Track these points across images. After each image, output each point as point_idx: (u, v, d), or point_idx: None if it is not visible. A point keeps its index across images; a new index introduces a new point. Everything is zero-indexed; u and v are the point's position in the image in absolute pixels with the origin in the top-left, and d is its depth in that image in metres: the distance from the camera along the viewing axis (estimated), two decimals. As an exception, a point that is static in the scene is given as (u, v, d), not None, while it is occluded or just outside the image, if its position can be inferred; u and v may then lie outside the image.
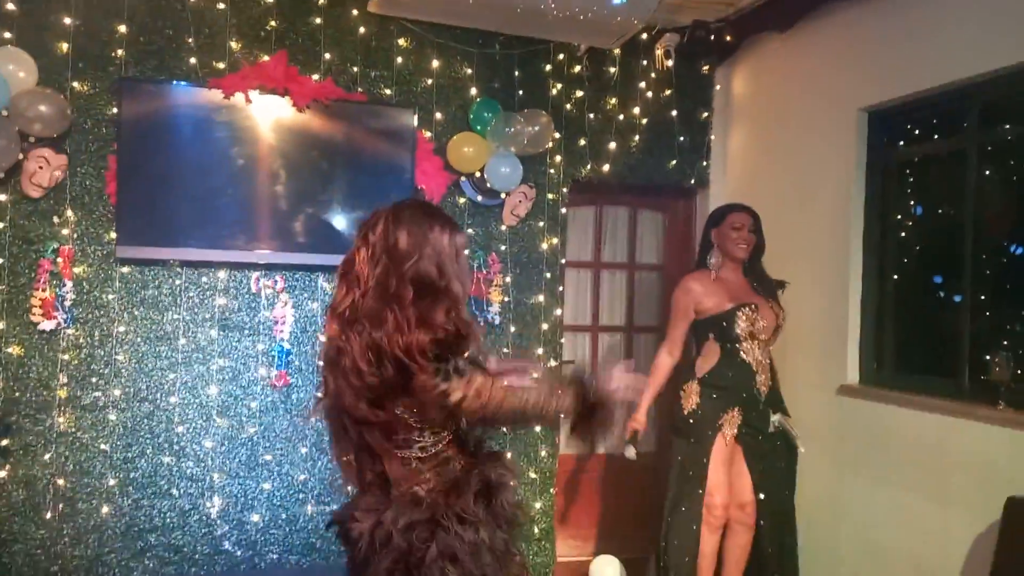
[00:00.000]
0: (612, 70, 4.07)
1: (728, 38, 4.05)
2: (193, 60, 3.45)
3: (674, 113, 4.18)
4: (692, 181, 4.27)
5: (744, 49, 4.14)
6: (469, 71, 3.85)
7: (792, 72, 3.81)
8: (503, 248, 3.89)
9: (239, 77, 3.44)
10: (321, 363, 1.80)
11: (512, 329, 3.87)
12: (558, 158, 3.99)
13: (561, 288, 4.06)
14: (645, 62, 4.12)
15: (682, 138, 4.21)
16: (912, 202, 3.44)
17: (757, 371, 3.21)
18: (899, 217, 3.42)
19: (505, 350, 3.81)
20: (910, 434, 3.01)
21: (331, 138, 3.57)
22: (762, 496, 3.22)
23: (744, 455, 3.22)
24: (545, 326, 3.96)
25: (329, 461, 3.63)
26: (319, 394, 1.81)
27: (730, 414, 3.20)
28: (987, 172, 2.99)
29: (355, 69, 3.68)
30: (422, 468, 1.73)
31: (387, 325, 1.63)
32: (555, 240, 4.00)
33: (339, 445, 1.80)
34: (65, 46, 3.29)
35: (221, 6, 3.48)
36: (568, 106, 4.01)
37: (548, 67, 3.96)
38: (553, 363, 3.91)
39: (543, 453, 3.94)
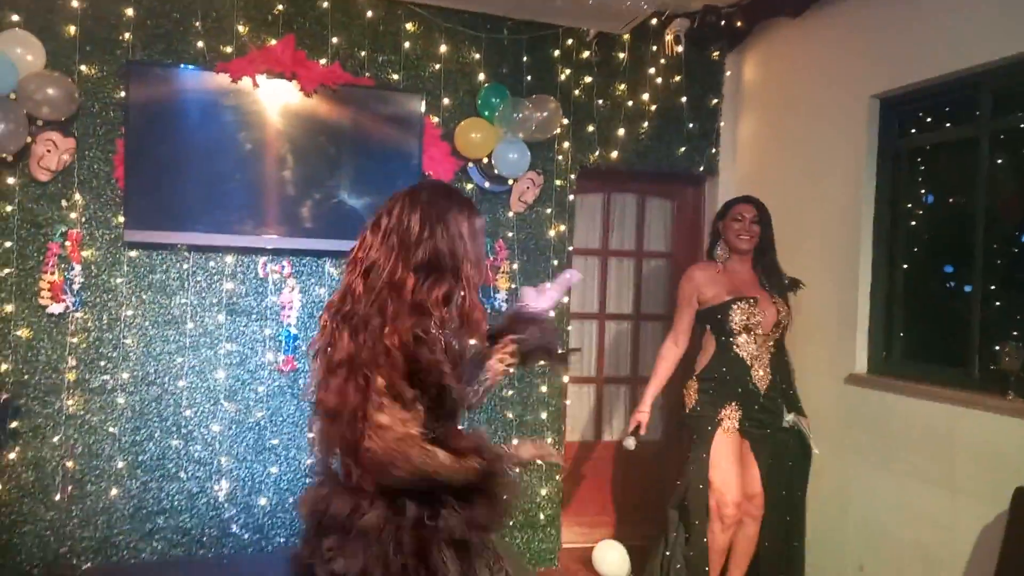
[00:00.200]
0: (621, 56, 4.04)
1: (739, 24, 4.01)
2: (200, 44, 3.44)
3: (684, 99, 4.15)
4: (701, 168, 4.24)
5: (755, 35, 4.10)
6: (477, 56, 3.82)
7: (803, 58, 3.77)
8: (510, 235, 3.88)
9: (246, 61, 3.43)
10: (312, 352, 1.72)
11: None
12: (566, 144, 3.97)
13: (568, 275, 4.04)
14: (655, 48, 4.08)
15: (691, 125, 4.18)
16: (923, 190, 3.40)
17: (752, 365, 3.18)
18: (909, 205, 3.39)
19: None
20: (918, 424, 3.00)
21: (338, 123, 3.56)
22: (770, 489, 3.20)
23: (751, 449, 3.20)
24: (552, 314, 3.94)
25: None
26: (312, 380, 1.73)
27: (728, 409, 3.18)
28: (999, 160, 2.96)
29: (363, 53, 3.66)
30: None
31: (374, 321, 1.58)
32: (563, 227, 3.99)
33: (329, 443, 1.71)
34: (73, 29, 3.29)
35: (229, -11, 3.47)
36: (577, 92, 3.98)
37: (557, 52, 3.94)
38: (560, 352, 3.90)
39: (549, 440, 3.95)
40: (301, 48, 3.53)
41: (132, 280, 3.42)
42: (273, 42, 3.51)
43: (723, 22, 3.97)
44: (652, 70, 4.10)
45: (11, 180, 3.25)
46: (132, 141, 3.31)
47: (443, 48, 3.77)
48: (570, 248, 4.04)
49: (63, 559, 3.31)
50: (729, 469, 3.16)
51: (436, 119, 3.75)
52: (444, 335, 1.59)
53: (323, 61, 3.58)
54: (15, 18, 3.20)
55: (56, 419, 3.32)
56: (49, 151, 3.23)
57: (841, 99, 3.46)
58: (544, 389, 3.94)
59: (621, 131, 4.05)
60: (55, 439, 3.32)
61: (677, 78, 4.13)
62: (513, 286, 3.87)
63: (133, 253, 3.42)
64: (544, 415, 3.93)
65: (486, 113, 3.76)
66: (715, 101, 4.24)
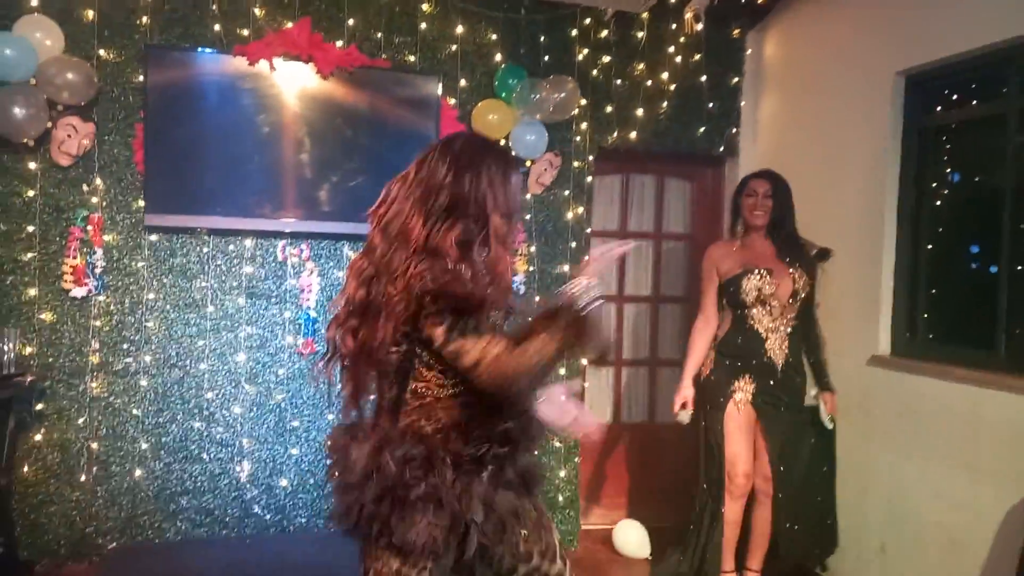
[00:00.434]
0: (640, 35, 3.99)
1: (760, 0, 3.94)
2: (217, 27, 3.44)
3: (703, 79, 4.09)
4: (721, 149, 4.19)
5: (776, 12, 4.03)
6: (494, 37, 3.79)
7: (826, 35, 3.70)
8: (528, 217, 3.87)
9: (263, 44, 3.43)
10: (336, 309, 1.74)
11: (536, 299, 3.85)
12: (584, 125, 3.93)
13: (586, 258, 4.01)
14: (674, 26, 4.03)
15: (711, 104, 4.13)
16: (948, 169, 3.34)
17: (767, 338, 3.17)
18: (935, 184, 3.33)
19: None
20: (942, 405, 2.96)
21: (355, 106, 3.55)
22: (782, 468, 3.19)
23: (763, 426, 3.19)
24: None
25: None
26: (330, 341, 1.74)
27: (741, 381, 3.18)
28: (1028, 137, 2.90)
29: (379, 35, 3.65)
30: (435, 405, 1.66)
31: (397, 266, 1.60)
32: (580, 209, 3.96)
33: (354, 383, 1.72)
34: (91, 14, 3.30)
35: (245, -28, 3.46)
36: (595, 72, 3.94)
37: (574, 32, 3.89)
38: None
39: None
40: (317, 31, 3.52)
41: (153, 264, 3.44)
42: (289, 25, 3.50)
43: (744, -1, 3.90)
44: (671, 49, 4.04)
45: (33, 165, 3.28)
46: (151, 125, 3.32)
47: (459, 29, 3.74)
48: (588, 230, 4.02)
49: (89, 538, 3.37)
50: (740, 440, 3.18)
51: (453, 101, 3.73)
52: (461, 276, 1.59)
53: (339, 43, 3.56)
54: (34, 3, 3.22)
55: (80, 401, 3.37)
56: (69, 136, 3.25)
57: (865, 76, 3.40)
58: (562, 371, 3.93)
59: (640, 111, 4.01)
60: (80, 421, 3.36)
61: (696, 57, 4.08)
62: (531, 268, 3.86)
63: (153, 237, 3.44)
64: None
65: (503, 94, 3.73)
66: (735, 80, 4.17)
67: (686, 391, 3.31)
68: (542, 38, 3.84)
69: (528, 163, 3.82)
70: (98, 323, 3.38)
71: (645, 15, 3.96)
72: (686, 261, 4.38)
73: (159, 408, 3.45)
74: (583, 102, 3.88)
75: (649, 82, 4.03)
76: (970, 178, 3.33)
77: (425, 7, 3.70)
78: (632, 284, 4.37)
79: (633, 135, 4.02)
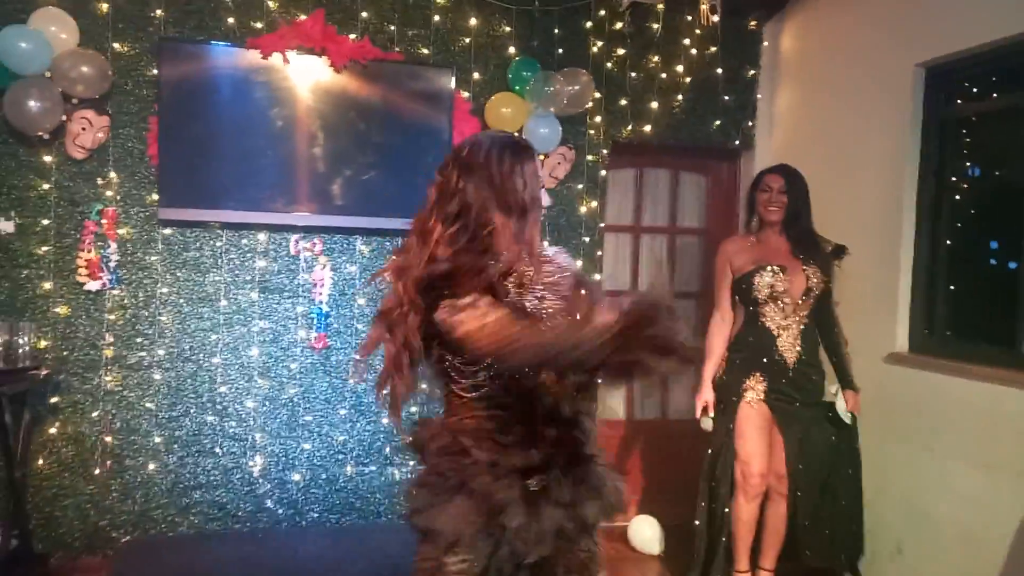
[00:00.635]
0: (655, 26, 3.95)
1: (777, -9, 3.90)
2: (231, 20, 3.43)
3: (719, 71, 4.05)
4: (737, 142, 4.15)
5: (793, 3, 3.98)
6: (508, 29, 3.76)
7: (845, 26, 3.65)
8: (541, 211, 3.83)
9: (277, 36, 3.41)
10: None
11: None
12: (598, 118, 3.90)
13: (600, 252, 4.01)
14: (690, 18, 3.98)
15: (727, 97, 4.08)
16: (969, 162, 3.29)
17: (779, 336, 3.12)
18: (954, 178, 3.28)
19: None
20: (961, 403, 2.92)
21: (368, 99, 3.54)
22: (800, 467, 3.14)
23: (777, 423, 3.15)
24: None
25: (368, 423, 3.67)
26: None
27: (753, 379, 3.13)
28: (1051, 131, 2.85)
29: (392, 28, 3.63)
30: (470, 406, 1.67)
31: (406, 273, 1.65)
32: (594, 203, 3.93)
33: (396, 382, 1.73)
34: (105, 7, 3.30)
35: (258, -36, 3.45)
36: (609, 64, 3.91)
37: (589, 24, 3.86)
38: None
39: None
40: (331, 23, 3.50)
41: (167, 258, 3.44)
42: (303, 17, 3.48)
43: (761, -10, 3.86)
44: (687, 41, 4.00)
45: (47, 158, 3.28)
46: (165, 118, 3.32)
47: (473, 21, 3.71)
48: (602, 224, 3.99)
49: (103, 532, 3.39)
50: (755, 439, 3.12)
51: (466, 94, 3.71)
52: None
53: (353, 36, 3.55)
54: (48, -4, 3.22)
55: (95, 395, 3.38)
56: (84, 129, 3.25)
57: (884, 68, 3.35)
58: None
59: (654, 104, 3.97)
60: (94, 414, 3.37)
61: (712, 49, 4.03)
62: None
63: (167, 231, 3.44)
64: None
65: (517, 87, 3.70)
66: (752, 72, 4.13)
67: (707, 394, 3.24)
68: (556, 30, 3.81)
69: (542, 157, 3.79)
70: (112, 317, 3.39)
71: (660, 6, 3.91)
72: (700, 256, 4.34)
73: (172, 402, 3.46)
74: (597, 95, 3.85)
75: (664, 75, 3.99)
76: (990, 172, 3.29)
77: (439, -1, 3.68)
78: (646, 279, 4.33)
79: (648, 128, 3.98)
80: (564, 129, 3.74)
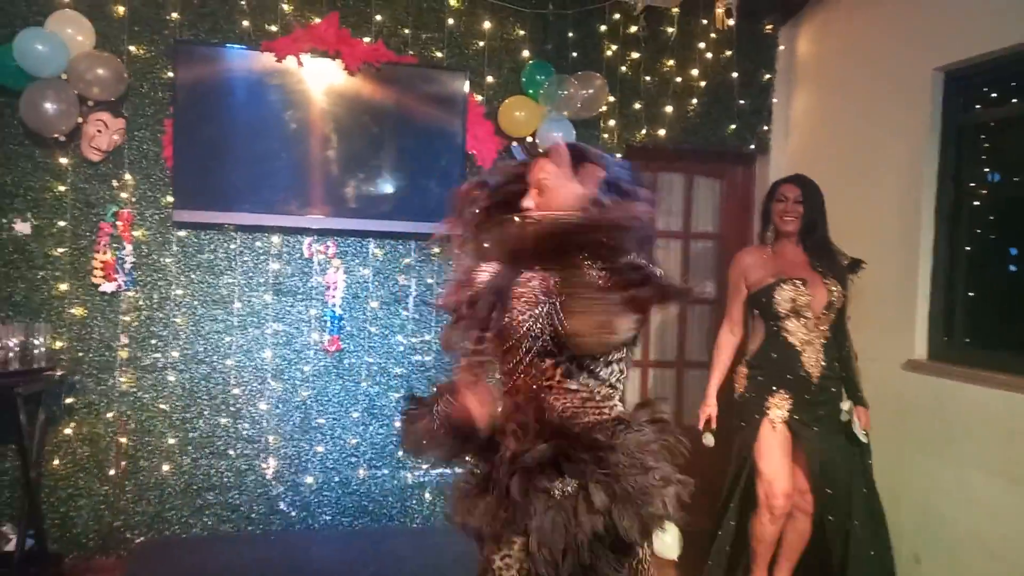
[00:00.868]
0: (670, 30, 3.93)
1: (793, -5, 3.88)
2: (246, 23, 3.44)
3: (734, 75, 4.02)
4: (752, 147, 4.12)
5: (811, 6, 3.95)
6: (522, 32, 3.76)
7: (862, 30, 3.62)
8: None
9: (291, 40, 3.42)
10: None
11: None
12: (612, 122, 3.89)
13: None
14: (705, 21, 3.96)
15: (742, 101, 4.06)
16: (988, 168, 3.26)
17: (803, 351, 3.06)
18: (973, 184, 3.24)
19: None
20: (980, 411, 2.89)
21: (382, 102, 3.54)
22: (826, 487, 3.07)
23: (797, 441, 3.09)
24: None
25: (380, 427, 3.67)
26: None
27: (776, 397, 3.06)
28: (1073, 136, 2.81)
29: (406, 31, 3.63)
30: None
31: None
32: (608, 207, 3.91)
33: None
34: (121, 9, 3.31)
35: (273, -33, 3.45)
36: (623, 68, 3.89)
37: (603, 27, 3.84)
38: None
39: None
40: (345, 26, 3.51)
41: (181, 260, 3.45)
42: (317, 20, 3.49)
43: (777, -7, 3.83)
44: (702, 44, 3.98)
45: (64, 160, 3.30)
46: (180, 121, 3.33)
47: (487, 24, 3.71)
48: (616, 228, 3.96)
49: (117, 532, 3.40)
50: (779, 458, 3.04)
51: (480, 97, 3.70)
52: None
53: (367, 39, 3.55)
54: (66, -1, 3.24)
55: (110, 396, 3.39)
56: (100, 131, 3.27)
57: (903, 72, 3.32)
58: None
59: (669, 108, 3.96)
60: (109, 415, 3.39)
61: (728, 53, 4.01)
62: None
63: (182, 233, 3.45)
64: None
65: (530, 91, 3.69)
66: (767, 76, 4.10)
67: (710, 407, 3.20)
68: (570, 34, 3.80)
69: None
70: (127, 318, 3.40)
71: (675, 10, 3.89)
72: (715, 261, 4.32)
73: (186, 404, 3.47)
74: (611, 99, 3.83)
75: (679, 78, 3.97)
76: (1010, 178, 3.24)
77: (453, 2, 3.67)
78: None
79: (662, 132, 3.97)
80: (578, 133, 3.72)
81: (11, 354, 3.06)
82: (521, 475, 1.59)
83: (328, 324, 3.59)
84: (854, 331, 3.24)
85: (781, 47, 4.11)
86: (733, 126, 4.06)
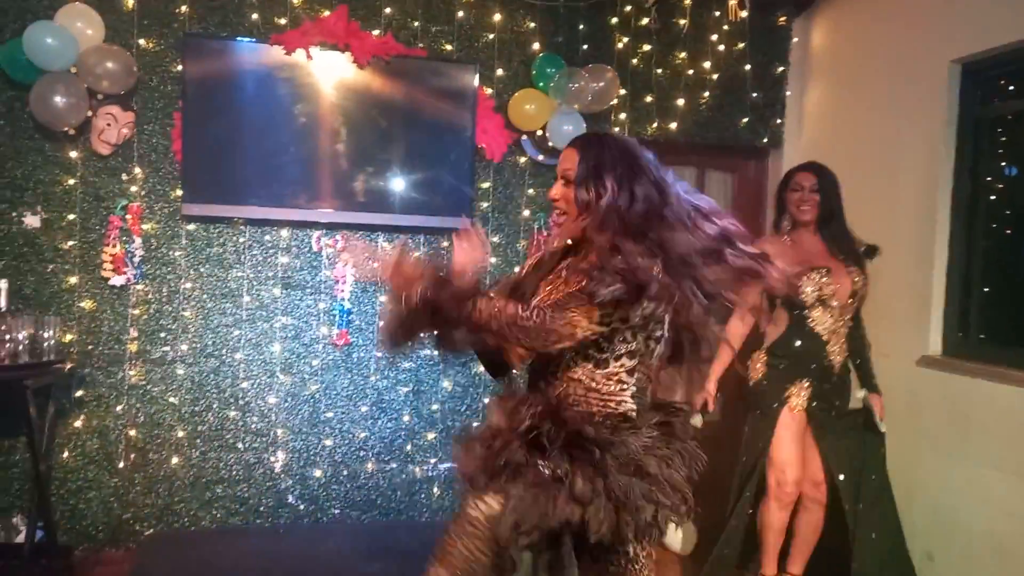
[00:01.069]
0: (682, 22, 3.89)
1: (807, -14, 3.83)
2: (255, 16, 3.43)
3: (747, 67, 3.98)
4: (765, 140, 4.08)
5: (824, -3, 3.90)
6: (532, 25, 3.73)
7: (877, 21, 3.57)
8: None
9: (300, 33, 3.41)
10: None
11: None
12: (623, 115, 3.85)
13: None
14: (717, 13, 3.91)
15: (755, 94, 4.01)
16: (1005, 162, 3.21)
17: (828, 340, 3.04)
18: (990, 178, 3.19)
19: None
20: (995, 408, 2.85)
21: (391, 96, 3.52)
22: (842, 477, 3.05)
23: (815, 430, 3.07)
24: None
25: (389, 421, 3.66)
26: None
27: (798, 386, 3.05)
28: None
29: (416, 24, 3.61)
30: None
31: None
32: (619, 201, 3.88)
33: None
34: (131, 3, 3.31)
35: (282, -40, 3.44)
36: (635, 61, 3.86)
37: (614, 20, 3.81)
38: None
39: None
40: (354, 19, 3.49)
41: (190, 253, 3.46)
42: (326, 13, 3.47)
43: (791, -15, 3.78)
44: (714, 37, 3.94)
45: (73, 154, 3.30)
46: (189, 115, 3.33)
47: (497, 17, 3.68)
48: (626, 223, 3.93)
49: (126, 525, 3.41)
50: (792, 447, 3.04)
51: (489, 90, 3.67)
52: None
53: (376, 32, 3.53)
54: (75, -8, 3.23)
55: (119, 388, 3.40)
56: (109, 125, 3.27)
57: (918, 65, 3.27)
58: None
59: (681, 101, 3.92)
60: (118, 408, 3.39)
61: (740, 45, 3.97)
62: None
63: (191, 226, 3.45)
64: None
65: (541, 84, 3.67)
66: (781, 69, 4.05)
67: (710, 390, 3.15)
68: (581, 26, 3.77)
69: (565, 154, 3.75)
70: (136, 311, 3.41)
71: (687, 2, 3.86)
72: (726, 255, 4.27)
73: (195, 397, 3.47)
74: (622, 92, 3.80)
75: (691, 71, 3.93)
76: (1028, 171, 3.20)
77: (463, -5, 3.65)
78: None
79: (674, 126, 3.93)
80: (588, 126, 3.68)
81: (21, 347, 3.06)
82: (527, 445, 1.65)
83: (337, 318, 3.59)
84: (869, 325, 3.20)
85: (795, 39, 4.06)
86: (746, 119, 4.02)
